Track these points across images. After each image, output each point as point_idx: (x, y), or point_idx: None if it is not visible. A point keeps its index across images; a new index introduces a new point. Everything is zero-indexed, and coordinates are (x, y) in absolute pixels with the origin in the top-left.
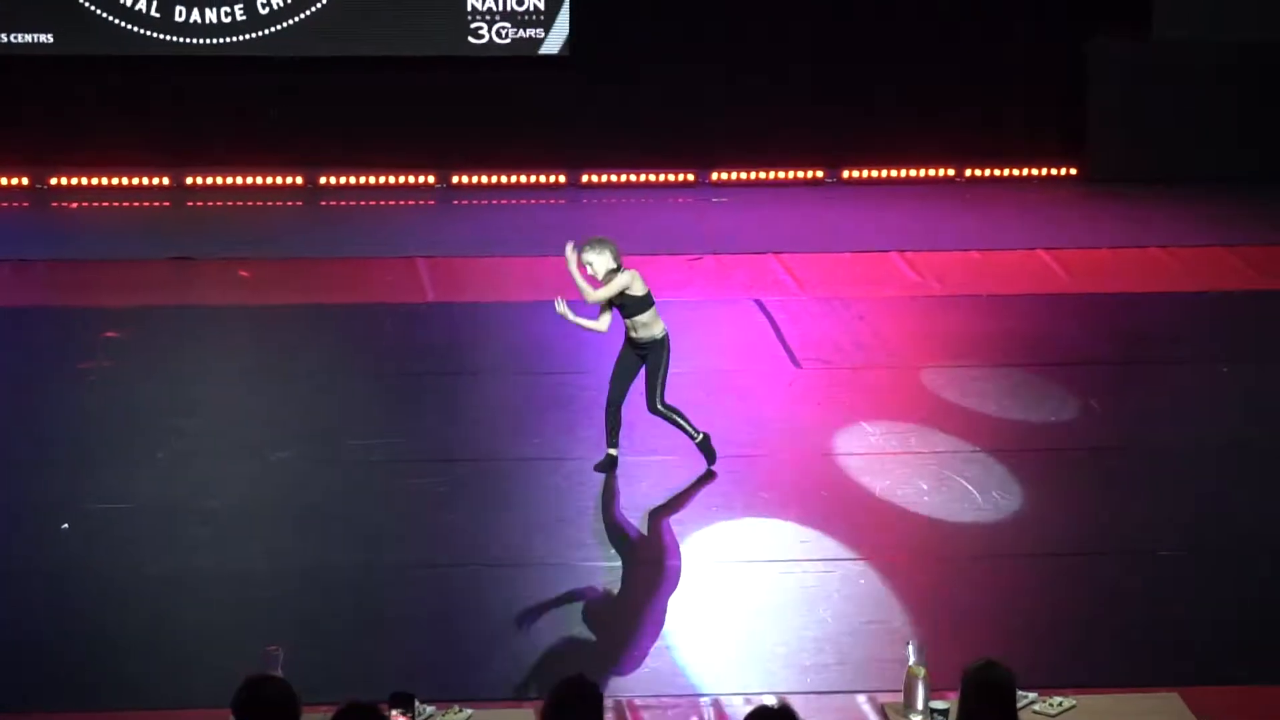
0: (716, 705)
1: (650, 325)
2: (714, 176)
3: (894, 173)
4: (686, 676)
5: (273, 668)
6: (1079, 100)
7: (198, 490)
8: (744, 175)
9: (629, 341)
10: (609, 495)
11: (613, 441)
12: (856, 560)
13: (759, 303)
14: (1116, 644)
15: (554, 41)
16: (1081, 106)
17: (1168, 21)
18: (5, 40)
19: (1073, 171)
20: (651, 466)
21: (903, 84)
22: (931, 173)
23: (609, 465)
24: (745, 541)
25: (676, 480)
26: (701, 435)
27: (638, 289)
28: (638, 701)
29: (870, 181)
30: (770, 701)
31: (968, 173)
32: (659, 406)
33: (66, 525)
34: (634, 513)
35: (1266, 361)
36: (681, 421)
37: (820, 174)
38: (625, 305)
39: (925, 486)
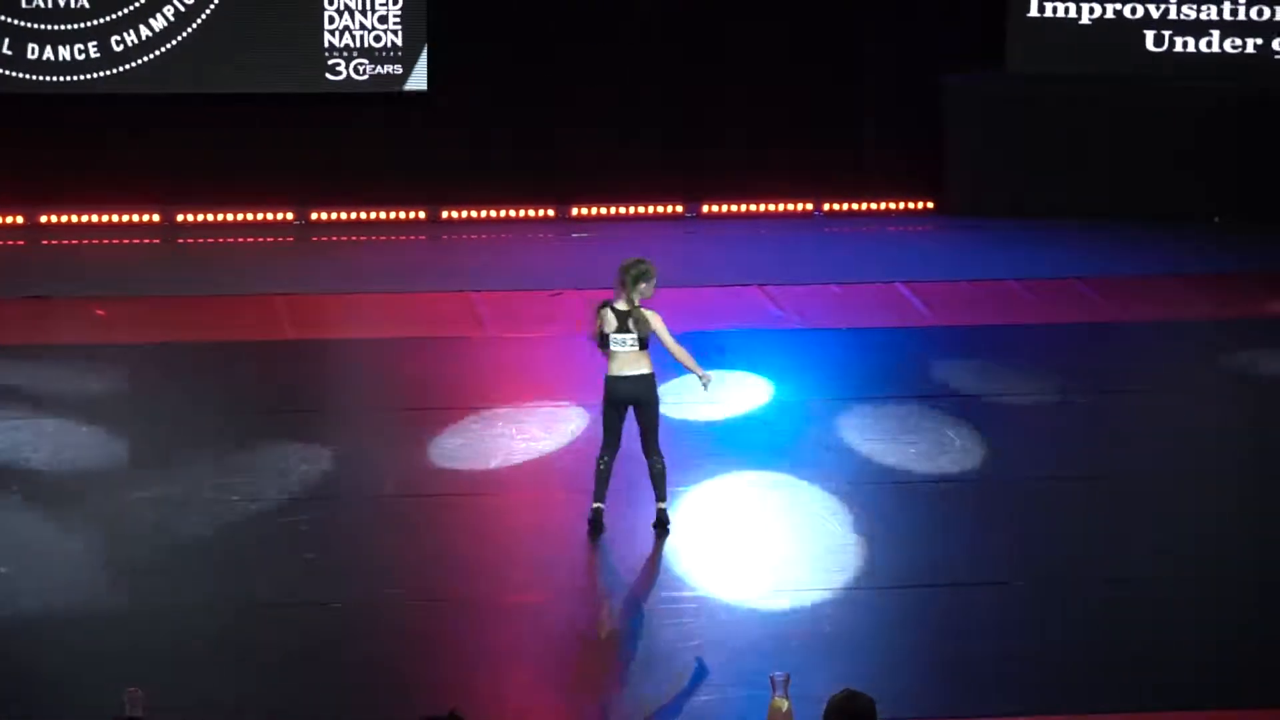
0: None
1: (645, 361)
2: (574, 212)
3: (754, 207)
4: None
5: (135, 709)
6: (935, 135)
7: (54, 530)
8: (604, 210)
9: (610, 388)
10: (460, 527)
11: (600, 496)
12: (706, 596)
13: None
14: (964, 673)
15: (413, 78)
16: (938, 141)
17: (1021, 57)
18: None
19: (929, 205)
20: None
21: (762, 119)
22: (791, 207)
23: (596, 516)
24: (596, 576)
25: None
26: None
27: (657, 321)
28: None
29: (730, 216)
30: None
31: (826, 206)
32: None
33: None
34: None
35: (1119, 392)
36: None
37: (680, 209)
38: (639, 337)
39: (782, 520)
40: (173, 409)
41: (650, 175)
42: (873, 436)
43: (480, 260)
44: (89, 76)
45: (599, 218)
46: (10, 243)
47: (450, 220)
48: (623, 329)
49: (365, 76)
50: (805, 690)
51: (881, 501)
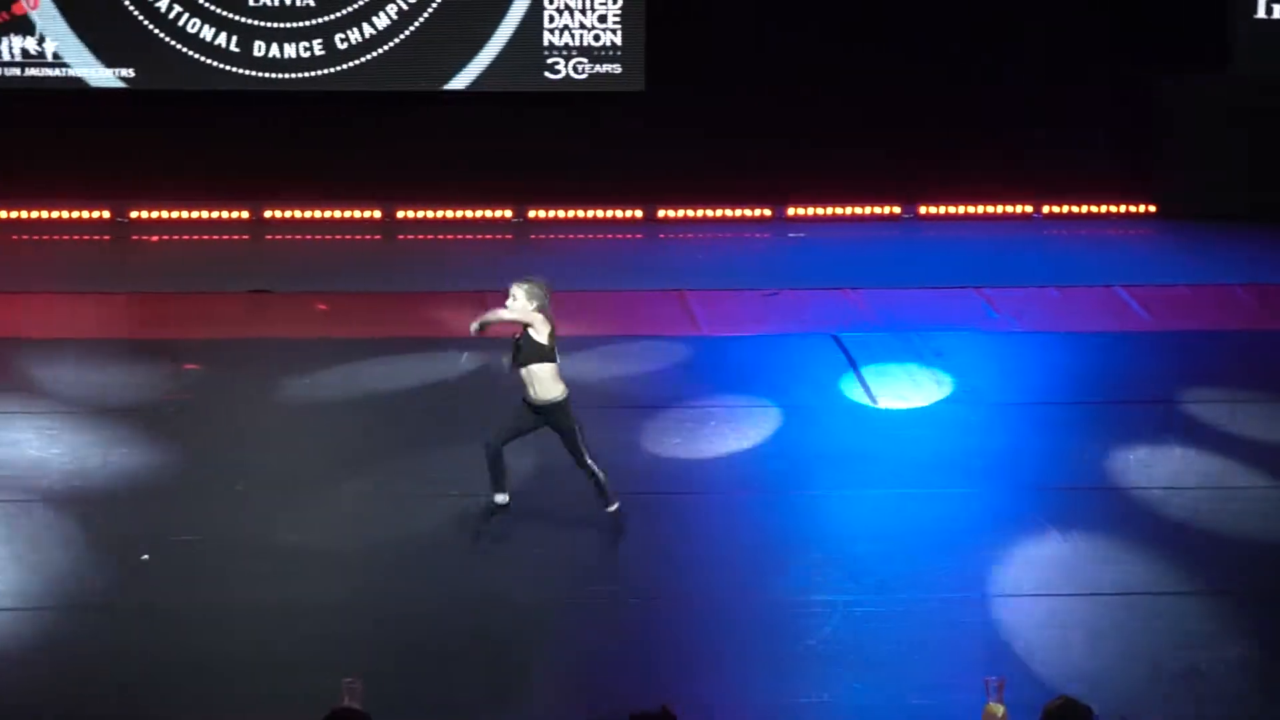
0: None
1: (547, 384)
2: (790, 212)
3: (971, 209)
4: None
5: (353, 700)
6: (1156, 137)
7: (275, 523)
8: (821, 211)
9: (525, 401)
10: (672, 525)
11: (500, 487)
12: (924, 598)
13: (835, 338)
14: (1188, 683)
15: (631, 77)
16: (1159, 143)
17: (1246, 58)
18: (87, 75)
19: (1151, 209)
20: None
21: (981, 120)
22: (1009, 209)
23: (497, 511)
24: (799, 574)
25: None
26: (615, 506)
27: (541, 334)
28: None
29: (948, 218)
30: None
31: (1045, 209)
32: (587, 465)
33: (146, 557)
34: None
35: None
36: (600, 484)
37: (897, 210)
38: (520, 349)
39: (1000, 524)
40: (385, 403)
41: (865, 176)
42: (1090, 442)
43: (695, 259)
44: (313, 74)
45: (815, 218)
46: (234, 237)
47: (666, 219)
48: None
49: (584, 75)
50: (1019, 696)
51: (1099, 508)
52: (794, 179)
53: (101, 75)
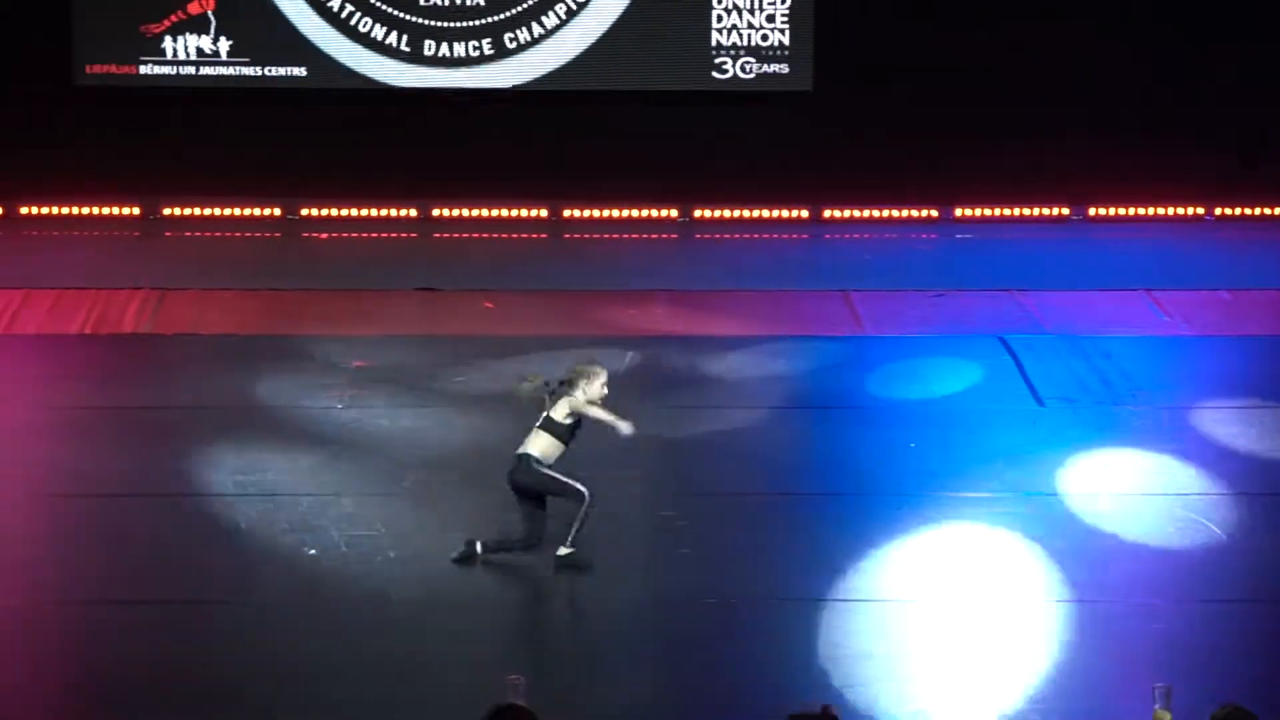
0: None
1: (545, 447)
2: (957, 212)
3: (1142, 211)
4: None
5: (517, 697)
6: None
7: (442, 519)
8: (988, 212)
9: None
10: (829, 526)
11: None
12: (1095, 602)
13: (1002, 339)
14: None
15: (798, 77)
16: None
17: None
18: (259, 74)
19: None
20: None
21: (1153, 122)
22: (1181, 211)
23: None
24: (983, 579)
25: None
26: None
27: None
28: None
29: (1118, 219)
30: None
31: (1218, 211)
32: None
33: (313, 551)
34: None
35: None
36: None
37: (1066, 211)
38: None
39: (1168, 527)
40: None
41: (1033, 176)
42: (1260, 446)
43: (861, 259)
44: (480, 72)
45: (982, 219)
46: (403, 235)
47: (832, 219)
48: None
49: (751, 75)
50: (1186, 702)
51: (1266, 513)
52: (962, 179)
53: (274, 74)
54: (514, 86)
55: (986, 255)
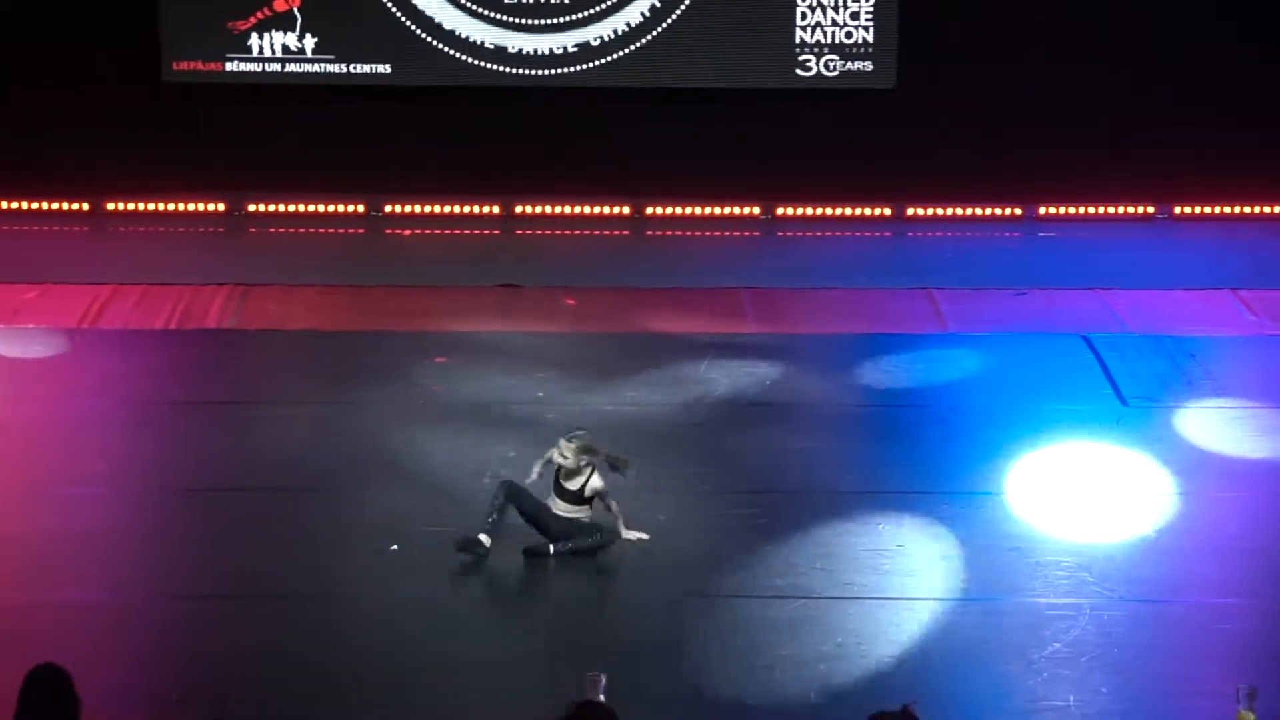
0: None
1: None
2: (1041, 211)
3: (1229, 209)
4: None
5: (596, 693)
6: None
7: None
8: (1073, 210)
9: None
10: (912, 526)
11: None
12: (1181, 602)
13: (1085, 339)
14: None
15: (882, 75)
16: None
17: None
18: (344, 71)
19: None
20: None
21: (1239, 119)
22: (1268, 209)
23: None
24: (1069, 578)
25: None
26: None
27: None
28: None
29: (1204, 218)
30: None
31: None
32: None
33: (395, 547)
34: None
35: None
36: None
37: (1151, 209)
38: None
39: (1252, 528)
40: (636, 398)
41: (1118, 175)
42: None
43: (944, 257)
44: (565, 70)
45: (1066, 217)
46: (485, 232)
47: (914, 217)
48: None
49: (835, 73)
50: (1270, 704)
51: None
52: (1045, 177)
53: (358, 71)
54: (597, 84)
55: (1070, 253)
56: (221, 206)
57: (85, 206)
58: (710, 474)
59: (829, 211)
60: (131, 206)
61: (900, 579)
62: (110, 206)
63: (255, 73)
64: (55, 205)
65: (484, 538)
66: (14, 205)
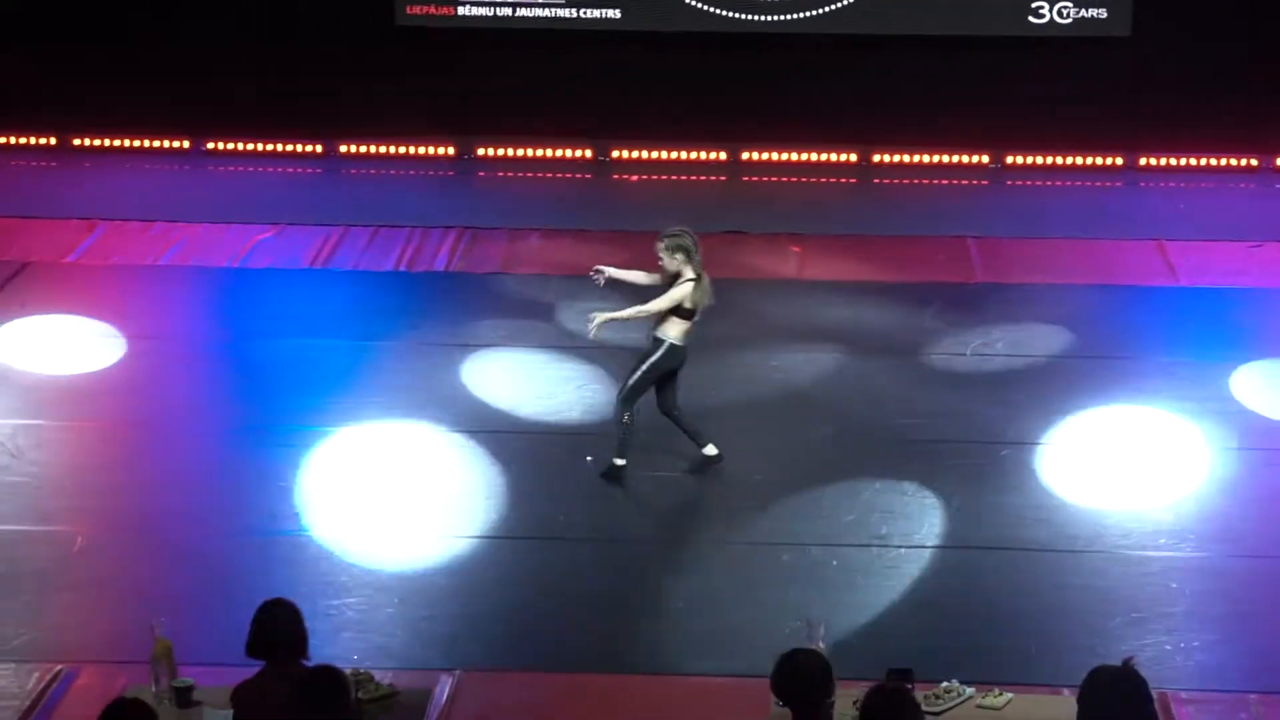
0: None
1: (669, 329)
2: (1278, 162)
3: None
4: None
5: (812, 640)
6: None
7: (744, 460)
8: None
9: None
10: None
11: (701, 442)
12: None
13: None
14: None
15: (1117, 21)
16: None
17: None
18: (574, 15)
19: None
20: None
21: None
22: None
23: (701, 465)
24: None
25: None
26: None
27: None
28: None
29: None
30: None
31: None
32: (621, 400)
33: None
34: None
35: None
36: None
37: None
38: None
39: None
40: (847, 348)
41: None
42: None
43: (1176, 208)
44: (793, 17)
45: None
46: (711, 178)
47: (1147, 167)
48: None
49: (1068, 20)
50: None
51: None
52: None
53: (588, 15)
54: (827, 30)
55: None
56: (451, 150)
57: (319, 149)
58: (922, 418)
59: (1059, 160)
60: (363, 149)
61: (1126, 531)
62: (343, 149)
63: (486, 17)
64: (290, 147)
65: (619, 461)
66: (251, 147)
